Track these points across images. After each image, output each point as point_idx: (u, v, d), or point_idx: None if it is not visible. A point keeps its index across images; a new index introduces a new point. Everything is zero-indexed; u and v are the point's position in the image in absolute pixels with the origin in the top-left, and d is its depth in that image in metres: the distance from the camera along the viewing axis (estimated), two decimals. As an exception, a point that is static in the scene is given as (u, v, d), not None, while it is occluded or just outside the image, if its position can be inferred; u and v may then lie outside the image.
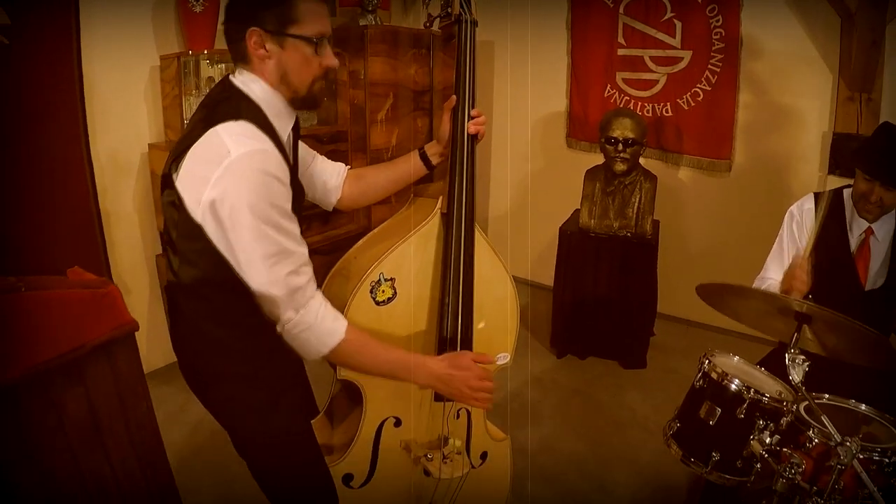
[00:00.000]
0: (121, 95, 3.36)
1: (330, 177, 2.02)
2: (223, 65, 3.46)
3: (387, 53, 4.12)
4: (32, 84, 2.88)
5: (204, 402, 1.75)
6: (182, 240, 1.55)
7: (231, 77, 1.62)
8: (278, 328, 1.57)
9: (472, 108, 1.92)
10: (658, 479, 3.01)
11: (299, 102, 1.66)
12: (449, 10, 1.96)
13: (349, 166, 2.07)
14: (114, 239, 3.47)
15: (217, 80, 3.20)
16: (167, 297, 1.70)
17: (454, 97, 1.92)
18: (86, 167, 3.19)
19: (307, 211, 1.80)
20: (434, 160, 2.04)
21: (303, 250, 1.57)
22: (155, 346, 3.51)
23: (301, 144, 1.89)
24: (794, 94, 3.89)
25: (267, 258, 1.48)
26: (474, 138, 1.93)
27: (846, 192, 2.48)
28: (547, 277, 4.26)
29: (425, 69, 4.44)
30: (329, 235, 3.75)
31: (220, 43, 3.52)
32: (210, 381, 1.68)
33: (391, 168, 2.09)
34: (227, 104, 1.54)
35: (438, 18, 2.00)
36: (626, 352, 4.02)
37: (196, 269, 1.56)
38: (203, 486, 2.73)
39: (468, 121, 1.91)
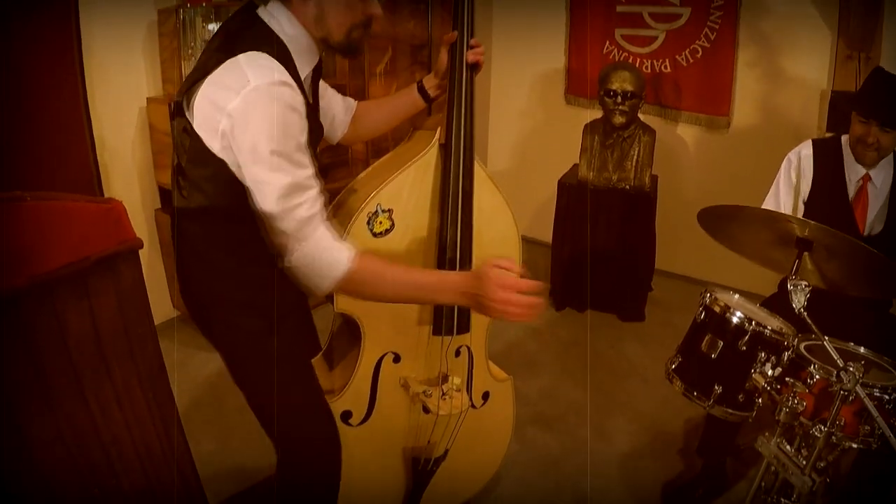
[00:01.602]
0: (118, 50, 3.32)
1: (339, 111, 2.01)
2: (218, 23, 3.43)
3: (386, 6, 4.06)
4: (29, 39, 2.85)
5: (204, 330, 1.77)
6: (192, 166, 1.55)
7: (259, 10, 1.58)
8: (285, 261, 1.57)
9: (472, 37, 1.89)
10: (656, 426, 3.05)
11: (332, 47, 1.64)
12: None
13: (357, 102, 2.06)
14: (113, 193, 3.42)
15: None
16: (174, 222, 1.70)
17: (454, 33, 1.88)
18: (84, 122, 3.16)
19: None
20: (432, 93, 2.03)
21: (314, 183, 1.56)
22: (154, 300, 3.48)
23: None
24: (793, 52, 3.88)
25: (279, 189, 1.48)
26: (473, 68, 1.90)
27: (844, 139, 2.48)
28: (545, 234, 4.27)
29: (423, 23, 4.42)
30: (329, 188, 3.73)
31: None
32: (210, 306, 1.69)
33: (391, 102, 2.10)
34: (249, 34, 1.52)
35: None
36: (625, 305, 4.04)
37: (204, 196, 1.56)
38: (203, 438, 2.75)
39: (467, 50, 1.88)
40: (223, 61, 1.46)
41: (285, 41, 1.55)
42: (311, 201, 1.54)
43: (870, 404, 1.66)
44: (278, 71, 1.47)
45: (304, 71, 1.61)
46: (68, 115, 3.08)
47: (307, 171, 1.54)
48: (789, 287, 1.81)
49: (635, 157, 3.83)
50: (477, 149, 1.91)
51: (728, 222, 2.12)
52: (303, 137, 1.53)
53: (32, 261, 1.16)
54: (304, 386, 1.87)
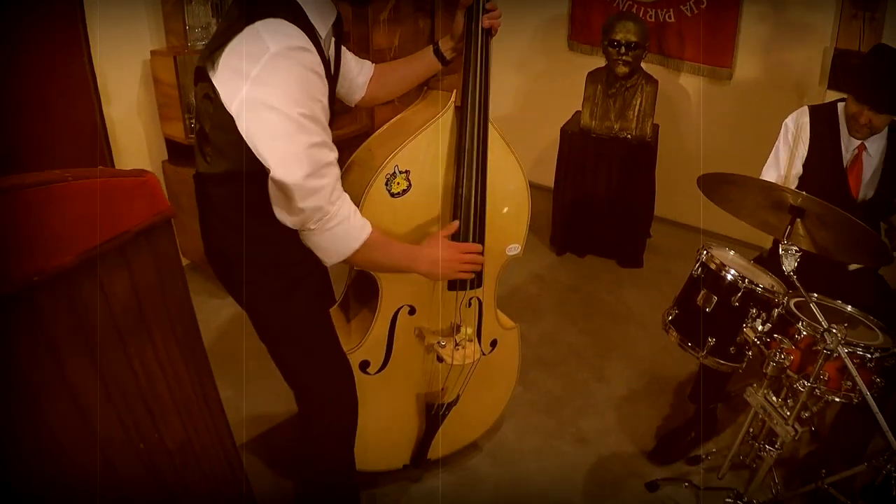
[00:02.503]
0: (120, 3, 3.31)
1: (357, 74, 2.05)
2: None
3: (391, -46, 4.07)
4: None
5: (227, 286, 1.85)
6: (216, 131, 1.59)
7: None
8: (310, 225, 1.61)
9: (488, 1, 1.92)
10: (653, 370, 3.19)
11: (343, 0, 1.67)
12: None
13: (374, 64, 2.09)
14: (120, 147, 3.47)
15: None
16: (196, 186, 1.76)
17: None
18: (89, 76, 3.16)
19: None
20: (448, 55, 2.05)
21: (333, 147, 1.61)
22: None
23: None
24: (798, 7, 3.88)
25: (309, 149, 1.52)
26: (489, 32, 1.94)
27: (840, 106, 2.53)
28: (546, 178, 4.33)
29: (427, -31, 4.40)
30: (333, 136, 3.80)
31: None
32: (235, 265, 1.75)
33: (408, 65, 2.12)
34: (268, 1, 1.53)
35: None
36: (624, 251, 4.15)
37: (228, 160, 1.61)
38: (219, 384, 2.86)
39: (483, 14, 1.91)
40: (242, 29, 1.49)
41: (300, 2, 1.56)
42: (335, 164, 1.60)
43: (850, 364, 1.79)
44: (297, 36, 1.50)
45: (324, 29, 1.63)
46: (73, 70, 3.08)
47: (328, 131, 1.59)
48: (781, 251, 1.92)
49: (637, 106, 3.89)
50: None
51: (726, 187, 2.21)
52: (325, 99, 1.57)
53: (79, 238, 1.25)
54: (324, 340, 1.96)
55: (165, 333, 1.48)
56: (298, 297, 1.82)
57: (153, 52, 3.43)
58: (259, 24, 1.49)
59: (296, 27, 1.50)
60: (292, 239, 1.70)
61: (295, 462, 2.51)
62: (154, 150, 3.65)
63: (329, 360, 1.98)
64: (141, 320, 1.41)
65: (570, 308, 3.70)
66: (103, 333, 1.34)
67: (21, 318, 1.19)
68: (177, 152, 3.64)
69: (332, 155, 1.59)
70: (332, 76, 1.71)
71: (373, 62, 2.11)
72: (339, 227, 1.65)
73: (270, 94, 1.47)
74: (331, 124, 1.64)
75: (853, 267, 2.44)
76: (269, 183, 1.57)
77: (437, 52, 2.06)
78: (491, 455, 2.65)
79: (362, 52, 4.04)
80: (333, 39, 1.74)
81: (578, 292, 3.87)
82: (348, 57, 2.01)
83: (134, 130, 3.55)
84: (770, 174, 2.66)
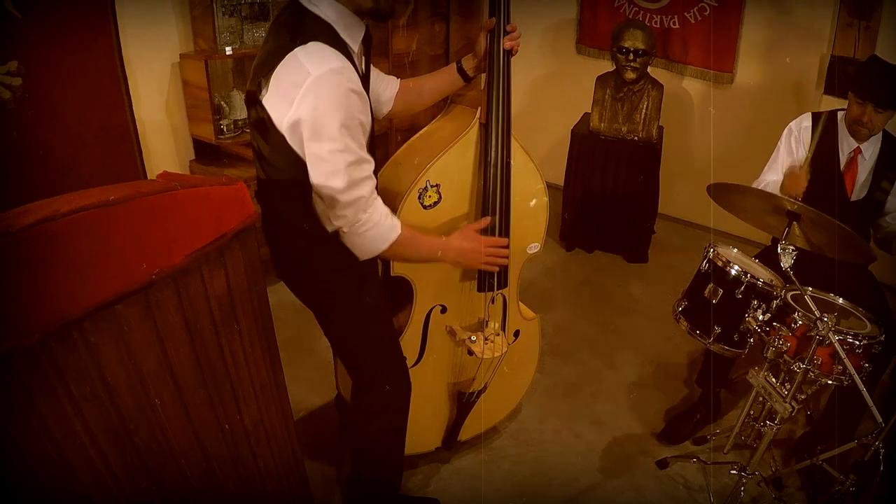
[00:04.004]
0: (150, 6, 3.43)
1: (384, 90, 2.14)
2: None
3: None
4: (64, 3, 2.94)
5: (295, 288, 1.98)
6: (269, 152, 1.71)
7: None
8: (344, 228, 1.75)
9: (508, 23, 2.01)
10: (659, 358, 3.42)
11: (365, 14, 1.72)
12: None
13: (399, 80, 2.19)
14: (150, 147, 3.57)
15: None
16: (259, 192, 1.88)
17: (493, 20, 2.01)
18: (120, 78, 3.27)
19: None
20: (471, 73, 2.14)
21: (370, 159, 1.73)
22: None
23: None
24: (796, 15, 4.06)
25: (348, 167, 1.65)
26: (509, 53, 2.04)
27: (840, 115, 2.77)
28: (554, 176, 4.50)
29: (443, -25, 4.59)
30: None
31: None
32: (305, 268, 1.89)
33: (433, 80, 2.21)
34: (302, 27, 1.63)
35: None
36: (630, 247, 4.36)
37: (286, 177, 1.71)
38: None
39: (503, 37, 2.01)
40: (283, 56, 1.59)
41: (331, 23, 1.65)
42: (371, 177, 1.73)
43: (839, 348, 2.01)
44: (335, 57, 1.59)
45: (355, 46, 1.71)
46: (104, 71, 3.20)
47: (366, 150, 1.71)
48: (779, 250, 2.15)
49: (644, 110, 4.10)
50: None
51: (733, 194, 2.44)
52: (364, 117, 1.68)
53: (187, 240, 1.47)
54: (387, 328, 2.14)
55: (250, 325, 1.70)
56: (365, 294, 1.98)
57: (182, 56, 3.55)
58: (298, 51, 1.59)
59: (332, 49, 1.61)
60: None
61: (343, 445, 2.71)
62: (182, 150, 3.78)
63: (391, 346, 2.15)
64: (232, 313, 1.63)
65: (581, 300, 3.91)
66: (202, 325, 1.56)
67: (133, 312, 1.39)
68: (204, 152, 3.79)
69: (369, 168, 1.73)
70: (365, 84, 1.78)
71: (392, 65, 2.23)
72: (371, 231, 1.77)
73: (314, 116, 1.58)
74: (373, 142, 1.79)
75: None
76: (313, 192, 1.72)
77: (461, 70, 2.16)
78: (513, 436, 2.87)
79: (382, 55, 4.23)
80: (364, 55, 1.83)
81: (588, 286, 4.08)
82: (375, 73, 2.08)
83: (163, 131, 3.67)
84: (771, 174, 2.86)
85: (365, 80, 1.81)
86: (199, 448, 1.65)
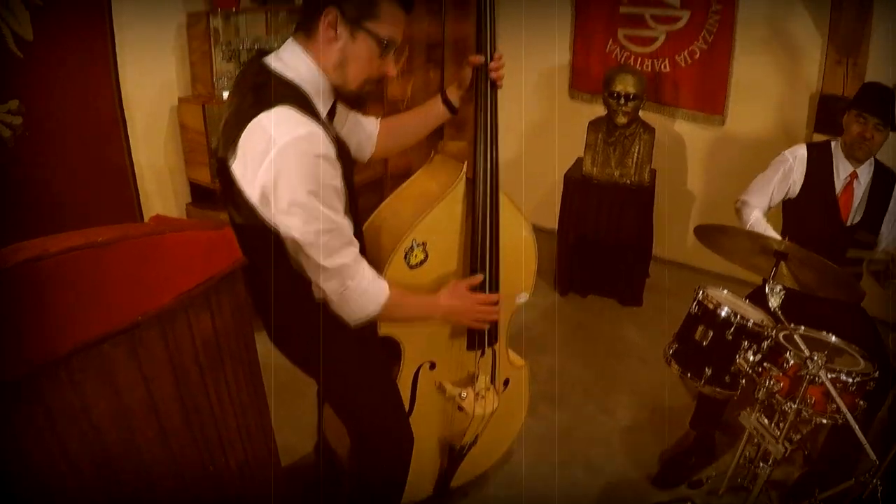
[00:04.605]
0: (150, 50, 3.49)
1: (364, 132, 2.10)
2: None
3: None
4: (66, 44, 3.00)
5: (298, 361, 1.96)
6: (241, 218, 1.66)
7: (267, 60, 1.65)
8: (332, 297, 1.69)
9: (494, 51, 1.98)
10: (654, 401, 3.39)
11: (342, 94, 1.71)
12: None
13: (378, 119, 2.15)
14: (147, 191, 3.61)
15: (242, 36, 3.24)
16: (243, 271, 1.71)
17: (480, 56, 1.96)
18: (119, 120, 3.32)
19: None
20: (456, 103, 2.11)
21: (349, 224, 1.68)
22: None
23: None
24: (785, 55, 4.15)
25: (324, 236, 1.60)
26: (496, 89, 2.00)
27: (833, 144, 2.88)
28: (548, 220, 4.56)
29: (437, 23, 4.69)
30: None
31: (246, 1, 3.71)
32: (303, 339, 1.84)
33: (417, 116, 2.18)
34: (266, 90, 1.57)
35: None
36: (624, 290, 4.36)
37: (261, 246, 1.64)
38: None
39: (489, 72, 1.97)
40: (247, 123, 1.54)
41: (301, 85, 1.61)
42: (352, 241, 1.69)
43: (830, 386, 2.00)
44: (302, 123, 1.53)
45: (325, 110, 1.68)
46: (104, 113, 3.25)
47: (341, 212, 1.65)
48: (767, 291, 2.15)
49: (636, 154, 4.13)
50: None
51: (720, 236, 2.46)
52: (336, 181, 1.62)
53: (175, 283, 1.48)
54: (390, 383, 2.14)
55: (236, 368, 1.70)
56: (368, 350, 1.98)
57: (181, 99, 3.61)
58: (263, 116, 1.53)
59: (298, 113, 1.54)
60: None
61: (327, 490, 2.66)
62: (179, 194, 3.82)
63: (395, 399, 2.14)
64: (218, 356, 1.63)
65: (575, 345, 3.90)
66: (187, 366, 1.56)
67: (121, 352, 1.40)
68: (201, 195, 3.81)
69: (348, 233, 1.67)
70: (345, 153, 1.71)
71: (387, 112, 2.23)
72: (360, 298, 1.73)
73: (282, 187, 1.53)
74: (354, 197, 1.73)
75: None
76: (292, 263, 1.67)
77: (446, 102, 2.11)
78: (506, 483, 2.83)
79: (377, 102, 4.29)
80: (337, 112, 1.82)
81: (583, 329, 4.07)
82: (352, 116, 2.03)
83: (160, 173, 3.71)
84: (758, 195, 2.96)
85: (338, 139, 1.73)
86: (183, 489, 1.63)
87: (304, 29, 1.65)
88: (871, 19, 3.80)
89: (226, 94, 3.49)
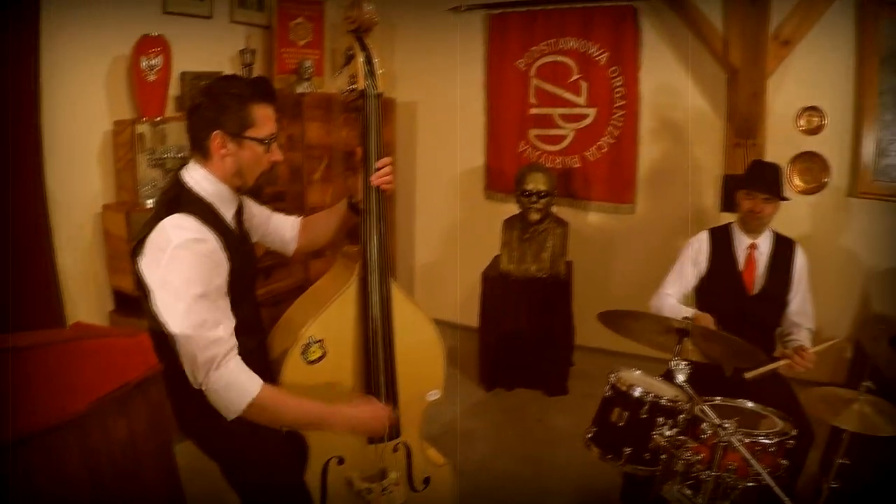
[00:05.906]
0: (76, 157, 3.52)
1: (286, 231, 2.34)
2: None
3: (322, 118, 4.46)
4: None
5: (202, 446, 1.94)
6: (154, 327, 1.78)
7: (182, 173, 1.90)
8: (202, 386, 1.76)
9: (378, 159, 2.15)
10: (586, 485, 3.41)
11: (242, 190, 1.98)
12: (354, 85, 2.13)
13: (300, 218, 2.36)
14: (70, 296, 3.56)
15: (167, 145, 3.37)
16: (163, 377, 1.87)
17: (360, 149, 2.18)
18: (43, 226, 3.32)
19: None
20: (360, 206, 2.23)
21: (228, 321, 1.82)
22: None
23: (258, 207, 2.22)
24: (688, 142, 4.42)
25: (200, 328, 1.73)
26: (382, 196, 2.16)
27: (731, 225, 3.10)
28: (471, 319, 4.61)
29: (356, 132, 4.78)
30: (272, 289, 3.96)
31: (171, 110, 3.81)
32: (213, 434, 1.89)
33: (330, 216, 2.37)
34: (176, 200, 1.83)
35: (349, 91, 2.14)
36: (550, 381, 4.40)
37: (161, 336, 1.76)
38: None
39: (374, 182, 2.15)
40: (155, 226, 1.78)
41: (206, 196, 1.87)
42: (227, 338, 1.80)
43: (743, 450, 2.07)
44: (195, 229, 1.78)
45: (229, 215, 1.94)
46: (28, 220, 3.23)
47: (222, 309, 1.82)
48: (671, 367, 2.26)
49: (551, 248, 4.27)
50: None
51: (623, 319, 2.57)
52: (220, 280, 1.82)
53: (89, 389, 1.49)
54: (299, 484, 2.16)
55: (153, 473, 1.70)
56: (276, 442, 2.04)
57: (105, 207, 3.61)
58: (166, 221, 1.77)
59: (195, 220, 1.79)
60: None
61: None
62: (103, 300, 3.77)
63: (303, 496, 2.15)
64: (135, 460, 1.63)
65: (503, 438, 3.91)
66: (103, 471, 1.55)
67: (36, 459, 1.40)
68: (124, 303, 3.75)
69: (225, 329, 1.80)
70: (245, 249, 1.99)
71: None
72: (226, 390, 1.77)
73: (172, 280, 1.73)
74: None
75: (749, 375, 2.79)
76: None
77: (352, 206, 2.28)
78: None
79: (297, 209, 4.33)
80: (236, 214, 2.01)
81: (511, 423, 4.09)
82: (274, 217, 2.31)
83: (84, 280, 3.66)
84: (674, 285, 3.13)
85: (241, 241, 2.00)
86: None
87: (200, 152, 1.90)
88: (765, 101, 4.09)
89: (149, 203, 3.55)
